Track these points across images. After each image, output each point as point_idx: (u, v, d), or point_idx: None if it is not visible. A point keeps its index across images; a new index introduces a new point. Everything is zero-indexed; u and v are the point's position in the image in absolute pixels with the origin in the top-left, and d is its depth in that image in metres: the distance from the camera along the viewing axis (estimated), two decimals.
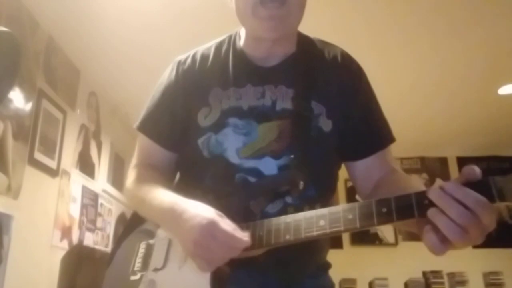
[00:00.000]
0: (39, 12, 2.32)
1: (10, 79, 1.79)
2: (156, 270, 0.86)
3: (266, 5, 0.85)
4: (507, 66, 3.04)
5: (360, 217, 0.67)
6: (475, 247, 4.62)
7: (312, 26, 1.03)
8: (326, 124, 0.90)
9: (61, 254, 2.48)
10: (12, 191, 2.07)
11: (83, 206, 2.89)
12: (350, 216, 0.68)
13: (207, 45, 1.03)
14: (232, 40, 1.01)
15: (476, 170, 0.60)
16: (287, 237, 0.73)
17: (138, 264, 0.91)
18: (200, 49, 1.03)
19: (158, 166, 1.00)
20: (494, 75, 3.19)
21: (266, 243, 0.75)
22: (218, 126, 0.91)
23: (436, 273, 4.18)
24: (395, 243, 4.46)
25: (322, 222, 0.70)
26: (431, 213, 0.61)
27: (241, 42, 0.99)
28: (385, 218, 0.65)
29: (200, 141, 0.91)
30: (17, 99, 2.15)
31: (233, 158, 0.88)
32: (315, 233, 0.70)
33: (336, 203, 0.84)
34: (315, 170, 0.87)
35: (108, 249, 3.35)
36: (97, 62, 2.88)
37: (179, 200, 0.83)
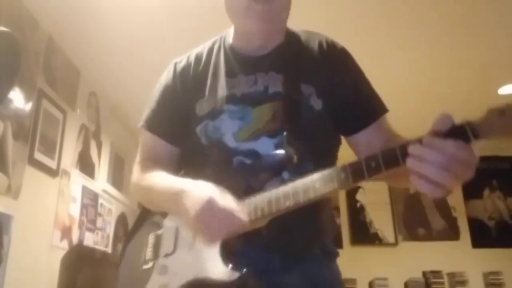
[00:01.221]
0: (39, 12, 2.32)
1: (10, 79, 1.78)
2: (167, 255, 0.92)
3: (259, 1, 0.93)
4: (507, 66, 3.04)
5: (352, 173, 0.73)
6: (475, 247, 4.60)
7: (306, 25, 1.04)
8: (317, 103, 0.96)
9: (61, 254, 2.48)
10: (12, 191, 2.07)
11: (83, 206, 2.89)
12: (343, 175, 0.74)
13: (201, 46, 1.11)
14: (223, 38, 1.09)
15: (450, 117, 0.67)
16: (287, 203, 0.78)
17: (149, 253, 0.96)
18: (194, 50, 1.11)
19: (162, 162, 1.04)
20: (494, 75, 3.19)
21: (268, 213, 0.80)
22: (215, 113, 0.96)
23: (436, 273, 4.18)
24: (395, 243, 4.46)
25: (317, 184, 0.76)
26: (409, 161, 0.67)
27: (231, 39, 1.06)
28: (374, 171, 0.71)
29: (198, 129, 0.97)
30: (17, 99, 2.14)
31: (230, 142, 0.93)
32: (312, 195, 0.76)
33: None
34: (309, 144, 0.92)
35: (108, 249, 3.35)
36: (97, 62, 2.88)
37: (182, 181, 0.90)
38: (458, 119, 0.70)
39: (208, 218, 0.79)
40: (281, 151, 0.89)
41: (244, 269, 0.80)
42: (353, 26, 2.53)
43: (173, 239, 0.93)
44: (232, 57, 1.03)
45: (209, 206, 0.79)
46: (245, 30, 1.01)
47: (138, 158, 1.09)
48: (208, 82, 1.01)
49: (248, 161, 0.91)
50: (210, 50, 1.07)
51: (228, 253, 0.83)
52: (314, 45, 1.03)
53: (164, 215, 0.99)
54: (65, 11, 2.35)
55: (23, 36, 2.21)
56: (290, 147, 0.89)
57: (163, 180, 0.95)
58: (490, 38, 2.68)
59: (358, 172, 0.72)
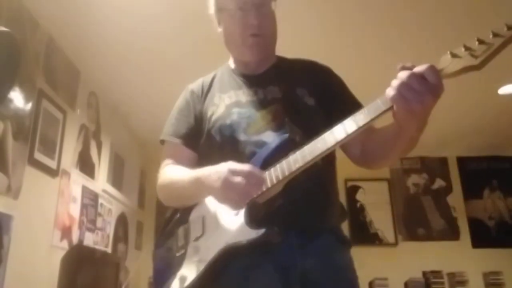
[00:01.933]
0: (39, 12, 2.32)
1: (10, 79, 1.79)
2: (197, 238, 1.05)
3: (253, 35, 1.16)
4: (507, 66, 3.04)
5: (356, 122, 0.88)
6: (475, 247, 4.60)
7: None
8: (310, 101, 1.15)
9: (61, 254, 2.48)
10: (12, 191, 2.07)
11: (83, 206, 2.89)
12: (341, 128, 0.90)
13: (208, 75, 1.32)
14: (224, 66, 1.31)
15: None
16: (297, 165, 0.92)
17: (181, 241, 1.09)
18: (202, 78, 1.31)
19: (184, 165, 1.17)
20: (494, 75, 3.18)
21: (282, 177, 0.94)
22: (226, 116, 1.14)
23: (436, 273, 4.18)
24: (395, 243, 4.46)
25: (319, 144, 0.92)
26: (393, 81, 0.84)
27: (232, 66, 1.29)
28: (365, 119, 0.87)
29: (213, 130, 1.14)
30: (17, 99, 2.15)
31: (241, 136, 1.09)
32: (318, 152, 0.91)
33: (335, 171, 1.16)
34: (309, 131, 1.02)
35: (108, 249, 3.35)
36: (97, 62, 2.88)
37: (200, 169, 1.04)
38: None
39: (233, 182, 0.92)
40: (285, 134, 1.03)
41: (266, 228, 0.93)
42: (362, 27, 2.54)
43: (201, 225, 1.05)
44: (234, 77, 1.25)
45: (231, 173, 0.93)
46: (243, 59, 1.24)
47: (162, 165, 1.23)
48: (217, 95, 1.21)
49: (258, 150, 1.05)
50: (215, 76, 1.29)
51: (254, 213, 0.96)
52: (301, 63, 1.27)
53: (187, 214, 1.11)
54: (65, 11, 2.35)
55: (23, 36, 2.21)
56: (291, 130, 1.06)
57: (183, 173, 1.10)
58: None
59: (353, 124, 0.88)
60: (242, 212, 0.98)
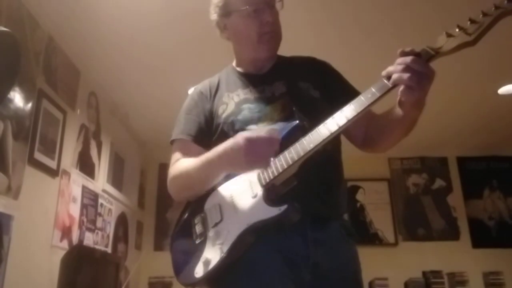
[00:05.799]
0: (39, 12, 2.32)
1: (10, 79, 1.79)
2: (216, 224, 1.07)
3: (269, 32, 1.22)
4: (507, 66, 3.05)
5: (355, 109, 0.95)
6: (475, 247, 4.60)
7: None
8: (315, 93, 1.20)
9: (61, 254, 2.48)
10: (12, 191, 2.07)
11: (83, 206, 2.89)
12: (349, 111, 0.96)
13: (212, 77, 1.35)
14: (230, 67, 1.35)
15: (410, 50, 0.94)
16: (311, 145, 0.96)
17: (198, 230, 1.10)
18: (208, 79, 1.34)
19: None
20: (494, 75, 3.19)
21: (297, 157, 0.97)
22: (237, 112, 1.18)
23: (436, 273, 4.17)
24: (395, 243, 4.46)
25: (330, 124, 0.97)
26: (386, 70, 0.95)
27: (237, 68, 1.33)
28: (372, 99, 0.94)
29: (226, 126, 1.18)
30: (17, 99, 2.15)
31: (254, 128, 1.12)
32: (333, 129, 0.96)
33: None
34: (316, 119, 1.05)
35: (108, 249, 3.35)
36: (97, 62, 2.88)
37: (211, 151, 1.08)
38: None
39: (254, 149, 0.98)
40: (295, 121, 1.06)
41: (288, 204, 0.97)
42: (366, 28, 2.54)
43: (218, 211, 1.08)
44: (240, 78, 1.29)
45: (249, 141, 0.98)
46: (254, 57, 1.27)
47: (172, 161, 1.24)
48: (225, 94, 1.25)
49: None
50: (220, 77, 1.33)
51: (272, 196, 1.00)
52: (300, 59, 1.33)
53: (201, 205, 1.13)
54: (65, 11, 2.35)
55: (23, 36, 2.21)
56: (301, 120, 1.08)
57: (197, 159, 1.12)
58: (490, 38, 2.68)
59: (361, 105, 0.94)
60: (259, 194, 1.01)
